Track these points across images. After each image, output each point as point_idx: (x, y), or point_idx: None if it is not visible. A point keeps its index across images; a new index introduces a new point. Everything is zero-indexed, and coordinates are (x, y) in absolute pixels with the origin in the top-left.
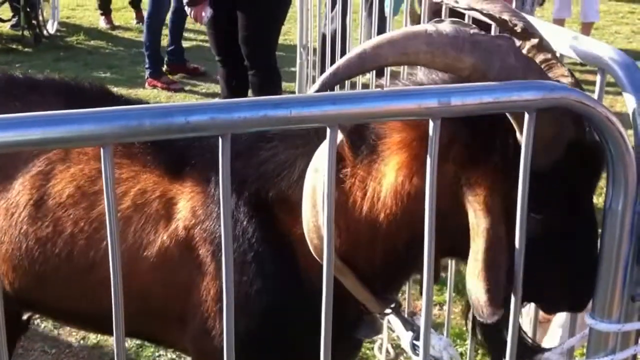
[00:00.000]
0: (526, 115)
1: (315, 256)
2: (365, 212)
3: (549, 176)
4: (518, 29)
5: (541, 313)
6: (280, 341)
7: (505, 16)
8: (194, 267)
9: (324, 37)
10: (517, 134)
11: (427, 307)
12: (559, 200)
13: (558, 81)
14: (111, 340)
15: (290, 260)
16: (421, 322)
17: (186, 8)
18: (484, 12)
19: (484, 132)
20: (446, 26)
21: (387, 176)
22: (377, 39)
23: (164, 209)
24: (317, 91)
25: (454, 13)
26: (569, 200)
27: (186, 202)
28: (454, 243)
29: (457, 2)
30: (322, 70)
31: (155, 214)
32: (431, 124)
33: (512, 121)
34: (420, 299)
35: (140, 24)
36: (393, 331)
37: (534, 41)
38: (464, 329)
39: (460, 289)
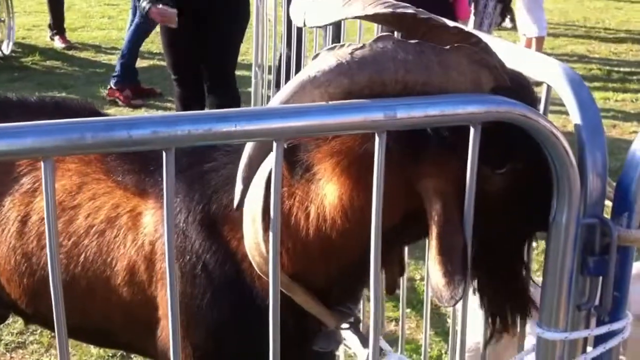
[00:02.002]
0: (471, 129)
1: (259, 272)
2: (312, 231)
3: (497, 129)
4: (398, 15)
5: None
6: (234, 354)
7: (380, 10)
8: (158, 280)
9: (281, 56)
10: None
11: (375, 314)
12: (519, 152)
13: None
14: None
15: (238, 275)
16: (370, 334)
17: (151, 10)
18: (350, 17)
19: None
20: (324, 58)
21: (330, 195)
22: (275, 101)
23: (132, 224)
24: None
25: None
26: (529, 151)
27: (151, 217)
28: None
29: (318, 23)
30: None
31: (125, 228)
32: (377, 137)
33: None
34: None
35: (63, 45)
36: (349, 347)
37: (422, 17)
38: (420, 343)
39: (414, 305)
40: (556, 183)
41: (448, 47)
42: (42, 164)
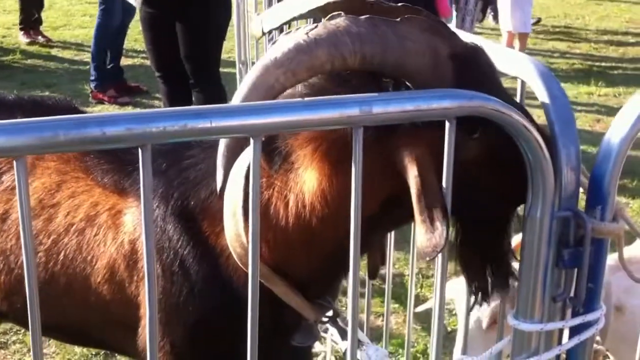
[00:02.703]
0: (447, 123)
1: (240, 265)
2: (292, 220)
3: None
4: None
5: (487, 321)
6: (214, 349)
7: None
8: (138, 279)
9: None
10: (407, 83)
11: (353, 307)
12: None
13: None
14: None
15: (217, 269)
16: (349, 326)
17: None
18: (305, 13)
19: None
20: (282, 42)
21: (308, 182)
22: (240, 91)
23: (112, 222)
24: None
25: None
26: None
27: (131, 215)
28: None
29: (272, 26)
30: None
31: (105, 227)
32: (354, 132)
33: (394, 77)
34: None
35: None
36: (336, 343)
37: (369, 1)
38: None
39: (402, 300)
40: (530, 176)
41: (398, 19)
42: (14, 163)
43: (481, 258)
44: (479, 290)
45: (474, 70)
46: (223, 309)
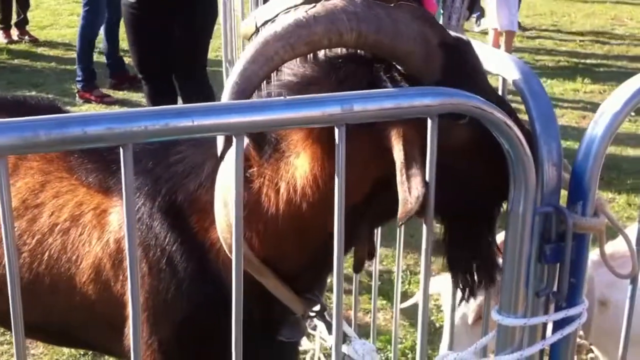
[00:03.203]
0: (429, 121)
1: (230, 256)
2: (283, 208)
3: (451, 78)
4: None
5: (473, 316)
6: (202, 346)
7: None
8: (124, 278)
9: None
10: (397, 66)
11: (337, 299)
12: None
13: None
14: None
15: (206, 264)
16: (334, 318)
17: None
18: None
19: None
20: (284, 18)
21: (300, 167)
22: (237, 67)
23: (97, 221)
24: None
25: None
26: None
27: (116, 214)
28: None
29: (266, 18)
30: None
31: (90, 226)
32: (336, 130)
33: (386, 58)
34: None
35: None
36: (325, 340)
37: None
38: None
39: (391, 297)
40: (512, 173)
41: (392, 4)
42: None
43: (467, 255)
44: (465, 286)
45: (462, 60)
46: (212, 305)
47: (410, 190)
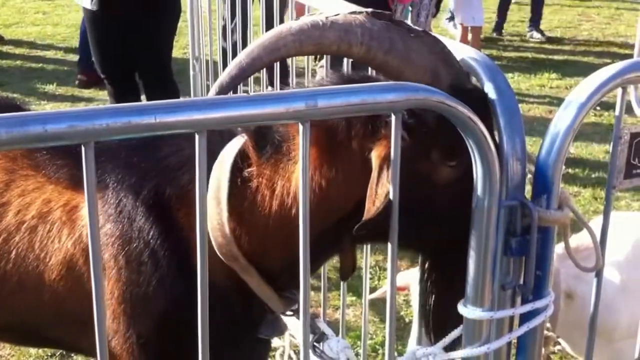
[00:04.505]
0: (392, 116)
1: (219, 255)
2: (274, 209)
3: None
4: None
5: None
6: (181, 339)
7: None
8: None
9: (224, 50)
10: None
11: (304, 301)
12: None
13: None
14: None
15: (190, 259)
16: (301, 314)
17: None
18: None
19: None
20: (304, 18)
21: (297, 171)
22: (247, 49)
23: (67, 217)
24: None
25: None
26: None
27: None
28: None
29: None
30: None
31: (59, 223)
32: (300, 126)
33: None
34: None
35: None
36: (295, 337)
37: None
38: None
39: (360, 293)
40: (476, 167)
41: (413, 34)
42: None
43: (451, 293)
44: (436, 327)
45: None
46: (194, 299)
47: (374, 202)
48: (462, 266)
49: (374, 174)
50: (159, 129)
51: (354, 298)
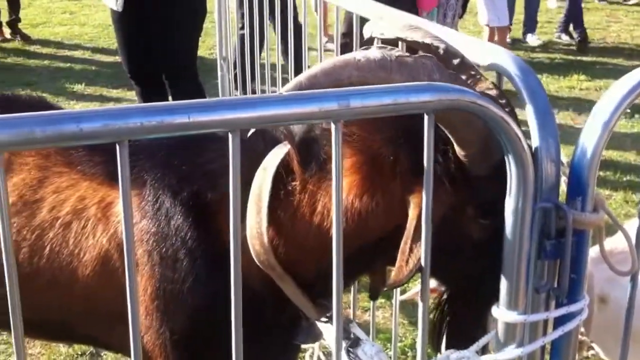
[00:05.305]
0: (425, 117)
1: (257, 262)
2: (314, 225)
3: (493, 179)
4: (441, 51)
5: None
6: (211, 339)
7: (428, 41)
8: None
9: (242, 46)
10: (455, 146)
11: (337, 307)
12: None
13: (484, 93)
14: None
15: (226, 261)
16: (334, 317)
17: None
18: (409, 39)
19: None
20: (373, 51)
21: None
22: (310, 71)
23: (102, 214)
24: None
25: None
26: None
27: None
28: None
29: (383, 34)
30: (244, 81)
31: (94, 219)
32: (333, 125)
33: (448, 135)
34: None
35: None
36: (324, 339)
37: (456, 60)
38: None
39: (390, 295)
40: (510, 169)
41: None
42: None
43: (466, 324)
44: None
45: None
46: (229, 299)
47: (407, 263)
48: (484, 296)
49: (410, 226)
50: (192, 128)
51: (382, 300)
